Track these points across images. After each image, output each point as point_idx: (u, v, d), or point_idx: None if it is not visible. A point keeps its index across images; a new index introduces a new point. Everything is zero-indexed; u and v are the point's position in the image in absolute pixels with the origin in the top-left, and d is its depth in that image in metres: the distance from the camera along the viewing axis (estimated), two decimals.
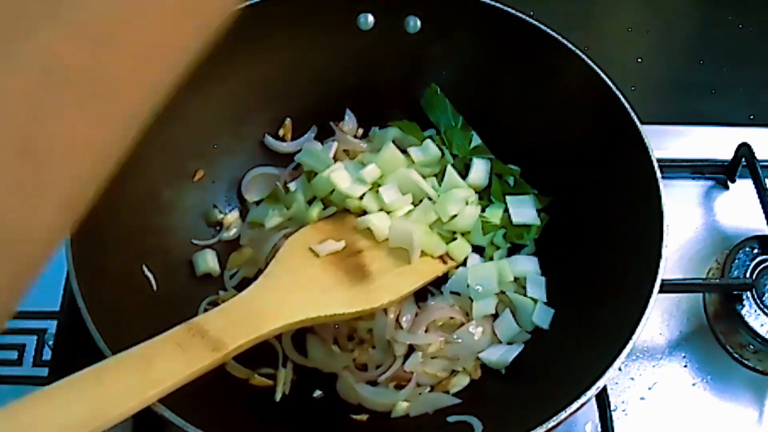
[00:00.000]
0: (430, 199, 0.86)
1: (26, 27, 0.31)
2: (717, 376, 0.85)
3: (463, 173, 0.89)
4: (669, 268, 0.72)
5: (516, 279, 0.83)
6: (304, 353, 0.81)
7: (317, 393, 0.80)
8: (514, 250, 0.87)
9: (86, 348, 0.65)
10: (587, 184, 0.85)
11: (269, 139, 0.93)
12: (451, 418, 0.76)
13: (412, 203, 0.86)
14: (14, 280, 0.33)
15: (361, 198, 0.85)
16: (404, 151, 0.88)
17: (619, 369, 0.84)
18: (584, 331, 0.77)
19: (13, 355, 0.86)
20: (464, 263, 0.85)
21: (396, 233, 0.82)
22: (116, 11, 0.33)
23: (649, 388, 0.84)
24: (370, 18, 0.91)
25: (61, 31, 0.32)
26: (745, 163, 0.94)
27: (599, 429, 0.79)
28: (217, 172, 0.89)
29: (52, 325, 0.88)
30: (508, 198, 0.87)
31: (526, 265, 0.84)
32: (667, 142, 0.98)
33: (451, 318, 0.82)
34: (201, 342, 0.64)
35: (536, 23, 0.85)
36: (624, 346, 0.67)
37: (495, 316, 0.82)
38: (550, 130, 0.88)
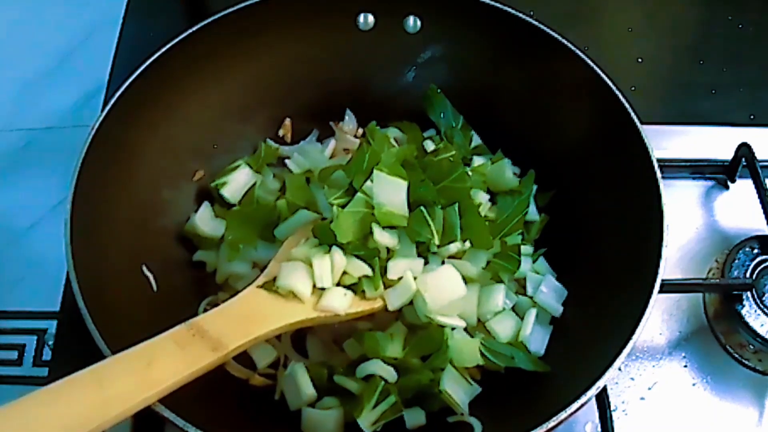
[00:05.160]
0: None
1: None
2: (717, 376, 0.85)
3: None
4: (669, 268, 0.72)
5: (516, 279, 0.83)
6: (304, 353, 0.81)
7: None
8: None
9: (86, 348, 0.65)
10: (587, 184, 0.85)
11: (270, 143, 0.93)
12: (451, 418, 0.76)
13: None
14: None
15: None
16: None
17: (619, 369, 0.84)
18: (584, 331, 0.77)
19: (13, 355, 0.86)
20: None
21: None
22: None
23: (649, 388, 0.84)
24: (370, 18, 0.91)
25: None
26: (745, 163, 0.93)
27: (599, 429, 0.79)
28: (217, 172, 0.89)
29: (52, 325, 0.88)
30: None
31: (526, 265, 0.84)
32: (667, 142, 0.98)
33: None
34: (201, 342, 0.64)
35: (536, 23, 0.85)
36: (624, 346, 0.67)
37: None
38: (550, 130, 0.88)
